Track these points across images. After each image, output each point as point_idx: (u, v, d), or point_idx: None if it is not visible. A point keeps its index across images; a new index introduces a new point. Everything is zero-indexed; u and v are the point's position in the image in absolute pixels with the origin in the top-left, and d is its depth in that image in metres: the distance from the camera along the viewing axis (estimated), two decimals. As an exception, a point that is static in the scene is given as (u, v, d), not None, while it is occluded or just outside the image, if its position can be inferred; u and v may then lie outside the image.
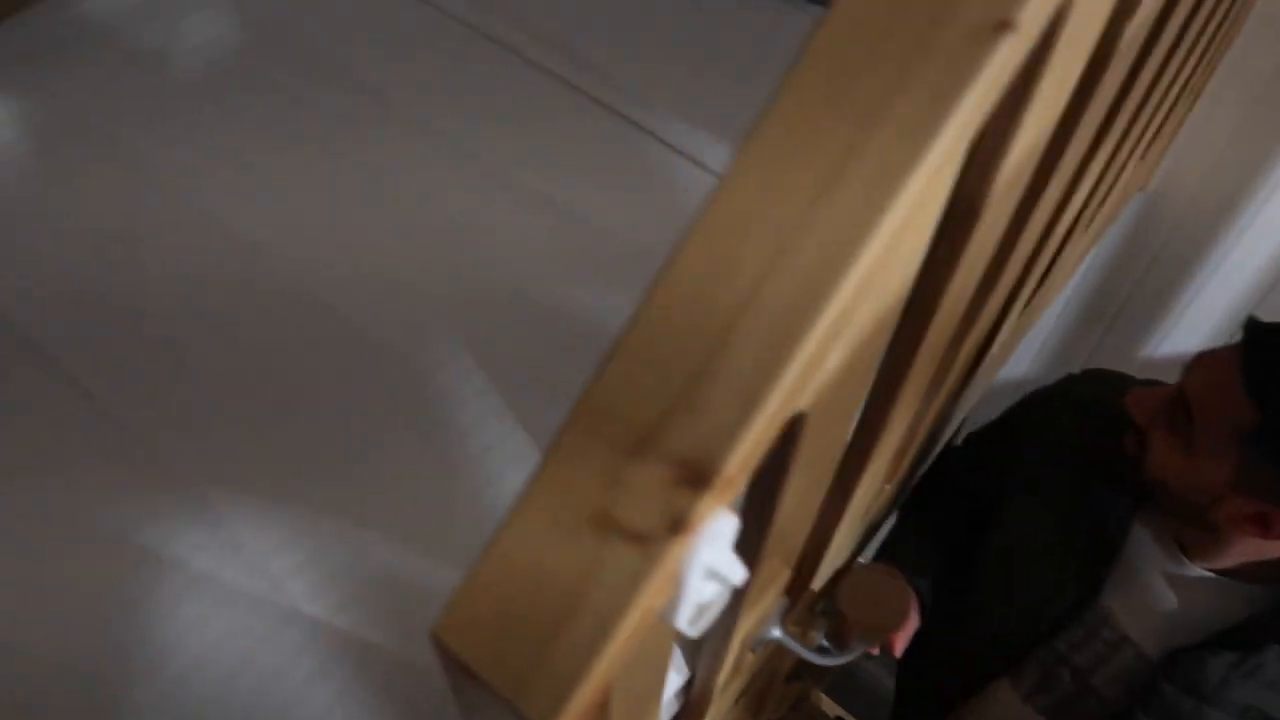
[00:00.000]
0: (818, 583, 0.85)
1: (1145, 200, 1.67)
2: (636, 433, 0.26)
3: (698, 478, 0.25)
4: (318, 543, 0.78)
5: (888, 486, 0.91)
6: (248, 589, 0.76)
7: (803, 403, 0.38)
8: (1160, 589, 0.89)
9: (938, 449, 1.10)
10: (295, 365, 0.90)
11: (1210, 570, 0.86)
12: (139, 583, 0.76)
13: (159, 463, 0.83)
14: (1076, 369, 2.09)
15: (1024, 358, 2.11)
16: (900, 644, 0.94)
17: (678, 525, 0.25)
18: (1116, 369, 1.08)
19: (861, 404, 0.51)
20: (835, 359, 0.37)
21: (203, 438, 0.85)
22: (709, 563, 0.27)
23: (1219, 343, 1.90)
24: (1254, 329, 0.82)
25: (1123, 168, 1.12)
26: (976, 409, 1.29)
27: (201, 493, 0.81)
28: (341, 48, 1.23)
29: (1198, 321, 1.81)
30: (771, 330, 0.27)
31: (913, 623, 0.96)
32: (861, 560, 1.03)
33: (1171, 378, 0.91)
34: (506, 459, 0.85)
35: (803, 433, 0.41)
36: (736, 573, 0.27)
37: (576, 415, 0.26)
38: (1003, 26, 0.26)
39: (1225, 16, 1.18)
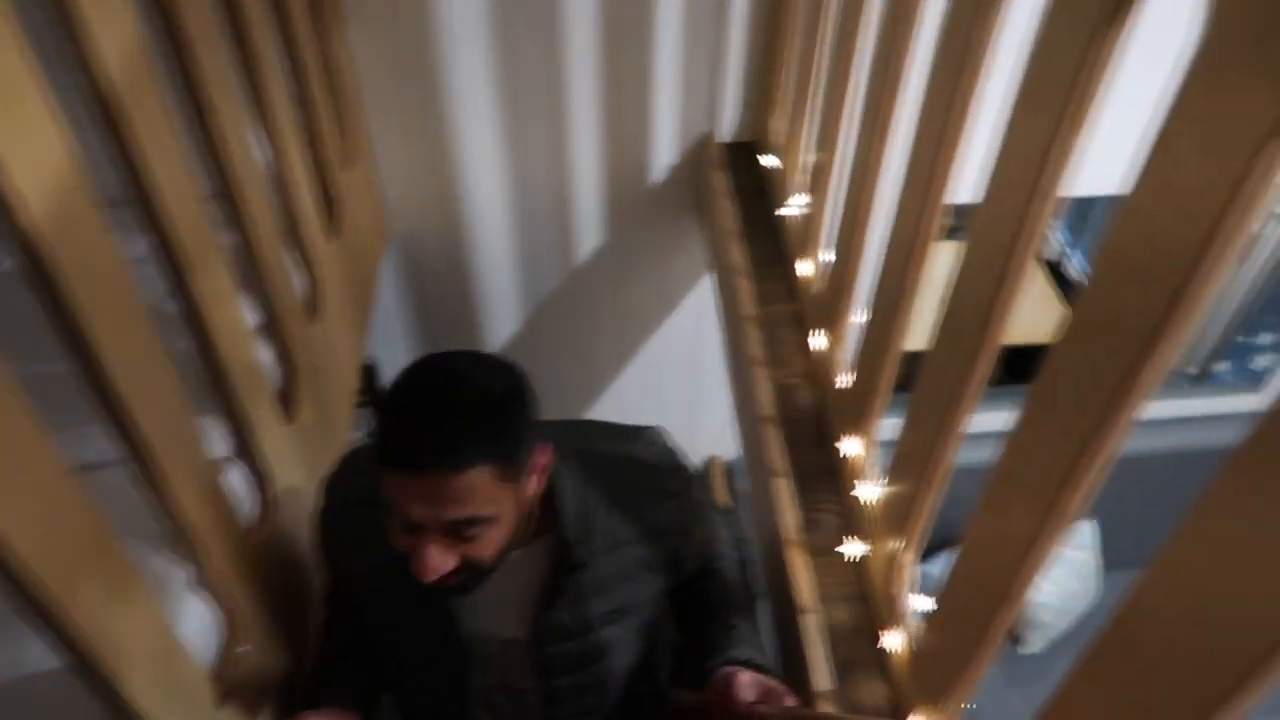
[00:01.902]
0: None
1: (395, 252, 1.99)
2: None
3: None
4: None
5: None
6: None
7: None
8: (494, 589, 0.95)
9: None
10: None
11: (516, 550, 0.95)
12: None
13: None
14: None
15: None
16: None
17: None
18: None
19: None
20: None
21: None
22: None
23: (523, 322, 2.13)
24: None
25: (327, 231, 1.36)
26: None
27: None
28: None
29: (504, 317, 2.21)
30: None
31: None
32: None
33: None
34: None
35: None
36: None
37: None
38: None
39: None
